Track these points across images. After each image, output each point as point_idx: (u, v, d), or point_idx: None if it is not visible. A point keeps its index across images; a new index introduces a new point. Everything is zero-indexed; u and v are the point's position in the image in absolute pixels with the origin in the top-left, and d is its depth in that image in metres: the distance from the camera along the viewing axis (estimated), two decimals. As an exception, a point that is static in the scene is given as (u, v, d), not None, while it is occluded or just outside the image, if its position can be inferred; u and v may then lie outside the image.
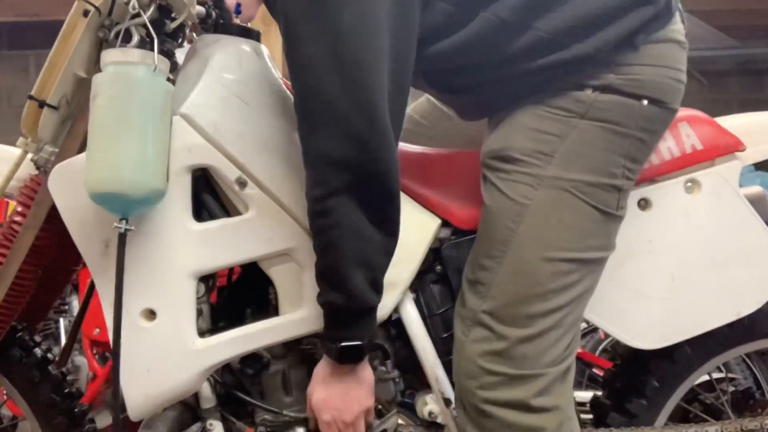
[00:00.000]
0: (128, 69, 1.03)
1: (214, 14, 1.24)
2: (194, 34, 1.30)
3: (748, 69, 6.30)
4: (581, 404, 1.97)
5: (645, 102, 1.09)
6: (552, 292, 1.08)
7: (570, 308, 1.10)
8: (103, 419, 1.85)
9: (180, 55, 1.24)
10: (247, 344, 1.17)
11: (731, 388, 1.50)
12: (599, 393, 1.43)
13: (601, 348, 2.52)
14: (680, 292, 1.22)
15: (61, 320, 2.25)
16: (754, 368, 1.85)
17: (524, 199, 1.08)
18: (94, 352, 2.16)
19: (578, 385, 2.22)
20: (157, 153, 1.04)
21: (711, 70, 6.17)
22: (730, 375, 1.55)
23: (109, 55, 1.04)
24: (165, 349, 1.14)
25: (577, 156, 1.08)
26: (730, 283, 1.22)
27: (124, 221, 1.04)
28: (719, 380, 1.48)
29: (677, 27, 1.13)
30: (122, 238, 1.05)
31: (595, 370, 2.31)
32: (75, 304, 2.28)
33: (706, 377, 1.42)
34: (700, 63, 5.90)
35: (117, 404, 1.06)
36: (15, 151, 1.22)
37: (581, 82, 1.08)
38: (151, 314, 1.14)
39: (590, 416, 1.42)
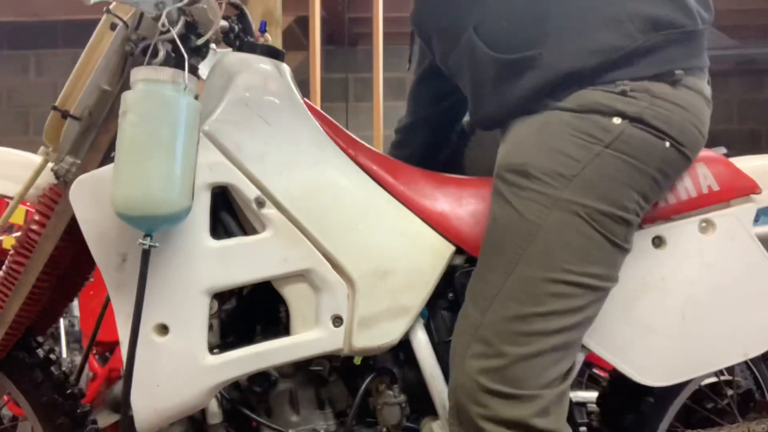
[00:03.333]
0: (159, 87, 1.04)
1: (236, 28, 1.25)
2: (215, 47, 1.30)
3: (748, 69, 6.28)
4: (581, 404, 1.99)
5: (668, 144, 1.11)
6: (553, 314, 1.08)
7: (570, 333, 1.10)
8: (105, 419, 1.85)
9: (203, 68, 1.24)
10: (258, 363, 1.18)
11: (730, 392, 1.50)
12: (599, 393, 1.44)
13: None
14: (690, 331, 1.22)
15: (61, 320, 2.24)
16: (756, 371, 1.85)
17: (537, 218, 1.09)
18: (95, 352, 2.16)
19: (578, 385, 2.22)
20: (185, 171, 1.05)
21: (711, 70, 6.15)
22: (731, 378, 1.54)
23: (139, 73, 1.05)
24: (176, 365, 1.14)
25: (594, 183, 1.09)
26: (739, 324, 1.23)
27: (149, 237, 1.04)
28: (716, 384, 1.48)
29: (707, 86, 1.17)
30: (146, 255, 1.05)
31: (595, 371, 2.31)
32: (75, 303, 2.27)
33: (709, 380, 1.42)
34: (700, 63, 5.89)
35: (126, 420, 1.06)
36: (33, 158, 1.23)
37: (609, 104, 1.09)
38: (163, 329, 1.14)
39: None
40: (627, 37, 1.08)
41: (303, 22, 4.58)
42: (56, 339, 2.22)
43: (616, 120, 1.09)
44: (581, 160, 1.09)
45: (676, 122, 1.11)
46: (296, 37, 5.17)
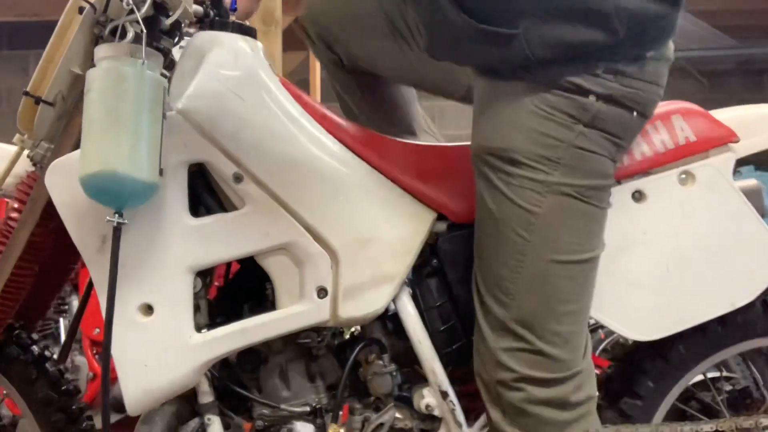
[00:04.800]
0: (117, 63, 1.04)
1: (212, 13, 1.25)
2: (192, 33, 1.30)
3: (748, 69, 6.32)
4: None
5: (635, 114, 1.14)
6: (572, 294, 1.13)
7: (586, 305, 1.16)
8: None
9: (177, 53, 1.25)
10: (245, 339, 1.18)
11: (728, 387, 1.50)
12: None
13: (601, 348, 2.52)
14: (675, 284, 1.22)
15: (61, 320, 2.24)
16: (751, 367, 1.84)
17: (533, 206, 1.11)
18: (94, 351, 2.16)
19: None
20: (148, 147, 1.04)
21: (711, 70, 6.19)
22: (727, 374, 1.55)
23: (100, 51, 1.06)
24: (162, 344, 1.14)
25: (580, 162, 1.12)
26: (724, 274, 1.23)
27: (118, 215, 1.05)
28: (716, 379, 1.48)
29: (671, 45, 1.17)
30: (117, 232, 1.05)
31: (596, 371, 2.30)
32: (75, 303, 2.27)
33: (701, 377, 1.42)
34: (700, 63, 5.91)
35: (107, 400, 1.07)
36: (11, 149, 1.23)
37: (585, 86, 1.10)
38: (148, 309, 1.14)
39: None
40: (611, 33, 1.08)
41: (303, 22, 4.57)
42: (56, 338, 2.22)
43: (591, 98, 1.10)
44: (564, 141, 1.11)
45: (642, 97, 1.13)
46: (296, 37, 5.17)
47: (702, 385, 1.46)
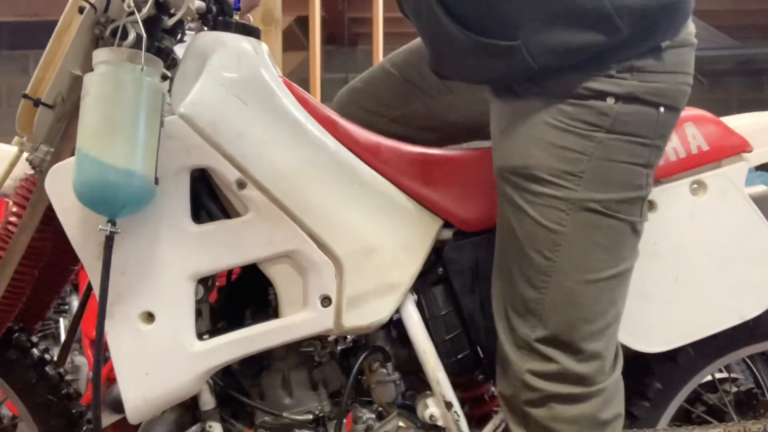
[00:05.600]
0: (115, 68, 1.02)
1: (214, 9, 1.22)
2: (194, 30, 1.28)
3: (748, 69, 6.31)
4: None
5: (662, 109, 1.08)
6: (600, 312, 1.10)
7: (616, 319, 1.13)
8: (105, 419, 1.83)
9: (179, 51, 1.22)
10: (247, 347, 1.16)
11: (734, 389, 1.49)
12: None
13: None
14: (684, 295, 1.20)
15: (61, 320, 2.23)
16: (756, 370, 1.84)
17: (557, 225, 1.07)
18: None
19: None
20: (143, 154, 1.02)
21: (711, 70, 6.16)
22: (733, 376, 1.54)
23: (98, 55, 1.03)
24: (163, 352, 1.13)
25: (604, 174, 1.07)
26: (734, 285, 1.21)
27: (110, 224, 1.03)
28: (722, 381, 1.47)
29: (691, 27, 1.12)
30: (109, 241, 1.04)
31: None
32: (75, 304, 2.26)
33: (708, 378, 1.41)
34: (700, 63, 5.86)
35: (97, 404, 1.06)
36: (10, 149, 1.21)
37: (600, 88, 1.05)
38: (149, 317, 1.13)
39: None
40: (614, 32, 1.03)
41: (303, 22, 4.58)
42: (56, 338, 2.21)
43: (610, 101, 1.05)
44: (585, 152, 1.06)
45: (667, 89, 1.08)
46: (296, 37, 5.16)
47: (708, 386, 1.45)
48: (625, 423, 1.29)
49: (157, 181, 1.04)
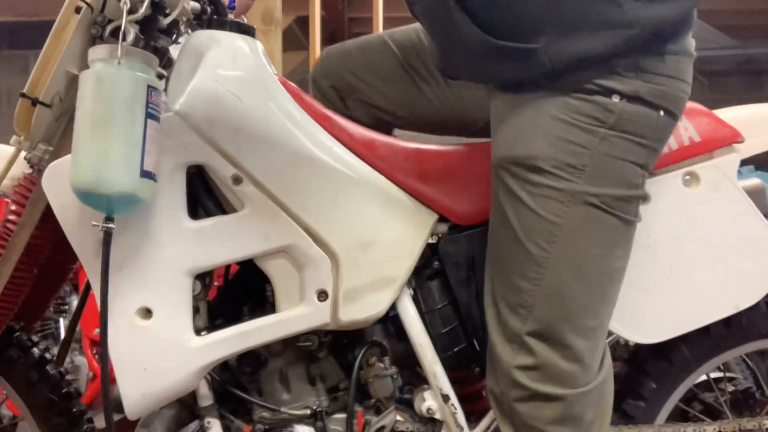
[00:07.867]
0: (94, 65, 1.03)
1: (209, 9, 1.24)
2: (189, 30, 1.29)
3: (748, 69, 6.33)
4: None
5: (662, 113, 1.10)
6: (590, 309, 1.11)
7: (606, 319, 1.14)
8: (102, 419, 1.84)
9: (175, 51, 1.23)
10: (244, 342, 1.17)
11: (731, 388, 1.49)
12: None
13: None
14: (678, 286, 1.21)
15: (61, 320, 2.24)
16: (753, 368, 1.84)
17: (555, 217, 1.08)
18: (94, 352, 2.16)
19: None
20: (127, 149, 1.02)
21: (711, 70, 6.17)
22: (730, 375, 1.54)
23: (89, 54, 1.05)
24: (161, 348, 1.13)
25: (605, 169, 1.08)
26: (728, 276, 1.22)
27: (108, 220, 1.04)
28: (718, 380, 1.47)
29: (692, 41, 1.14)
30: (107, 237, 1.05)
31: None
32: (74, 303, 2.27)
33: (705, 377, 1.41)
34: (700, 63, 5.87)
35: (108, 404, 1.06)
36: (8, 149, 1.22)
37: (607, 85, 1.07)
38: (147, 312, 1.13)
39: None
40: (631, 40, 1.06)
41: (303, 22, 4.59)
42: (56, 338, 2.22)
43: (615, 98, 1.07)
44: (588, 146, 1.07)
45: (669, 93, 1.10)
46: (296, 37, 5.17)
47: (704, 385, 1.45)
48: (620, 422, 1.30)
49: (154, 177, 1.05)
